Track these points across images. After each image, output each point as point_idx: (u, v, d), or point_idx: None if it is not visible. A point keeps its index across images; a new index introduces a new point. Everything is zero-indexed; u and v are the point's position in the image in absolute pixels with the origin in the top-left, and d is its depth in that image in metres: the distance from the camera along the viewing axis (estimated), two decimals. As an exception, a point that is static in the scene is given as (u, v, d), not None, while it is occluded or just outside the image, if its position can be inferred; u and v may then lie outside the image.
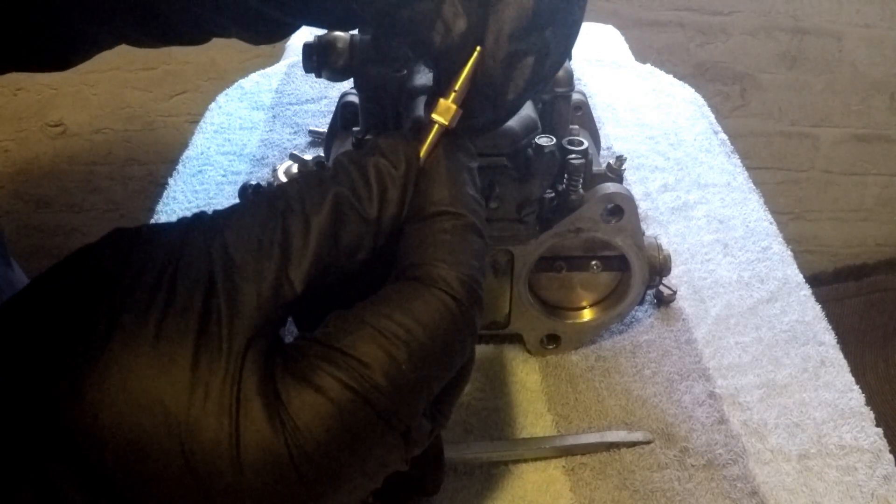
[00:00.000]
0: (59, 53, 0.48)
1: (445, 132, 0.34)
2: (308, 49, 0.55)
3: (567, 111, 0.61)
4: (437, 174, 0.34)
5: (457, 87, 0.34)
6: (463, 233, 0.33)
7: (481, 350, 0.63)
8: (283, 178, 0.77)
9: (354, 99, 0.63)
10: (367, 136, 0.57)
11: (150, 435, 0.28)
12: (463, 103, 0.34)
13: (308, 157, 0.78)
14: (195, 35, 0.45)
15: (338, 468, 0.30)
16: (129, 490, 0.29)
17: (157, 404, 0.28)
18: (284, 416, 0.29)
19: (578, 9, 0.36)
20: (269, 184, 0.71)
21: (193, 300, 0.30)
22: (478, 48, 0.33)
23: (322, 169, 0.34)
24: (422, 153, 0.34)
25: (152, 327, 0.29)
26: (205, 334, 0.29)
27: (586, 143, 0.55)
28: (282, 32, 0.44)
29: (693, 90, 1.00)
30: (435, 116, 0.34)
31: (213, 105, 0.98)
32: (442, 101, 0.34)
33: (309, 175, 0.34)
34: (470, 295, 0.32)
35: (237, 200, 0.71)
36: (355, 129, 0.59)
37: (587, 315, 0.61)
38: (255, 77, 1.04)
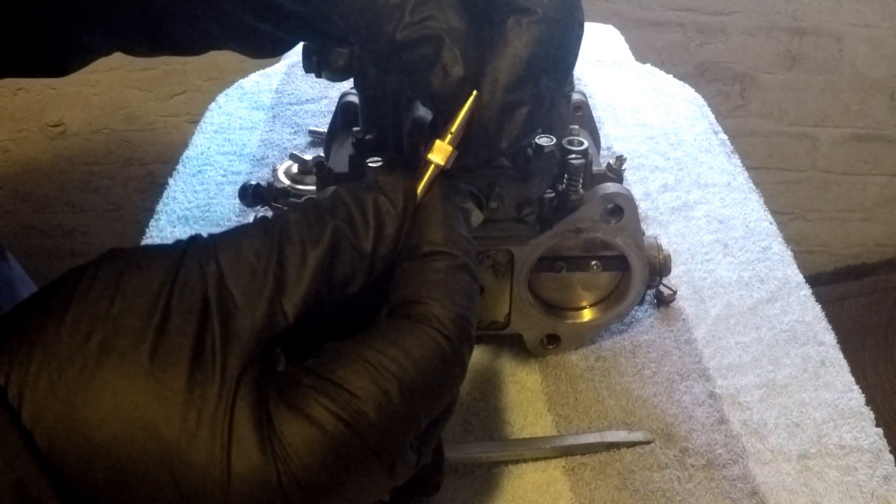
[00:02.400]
0: (57, 61, 0.48)
1: (441, 172, 0.35)
2: (308, 49, 0.55)
3: (567, 111, 0.61)
4: (433, 214, 0.35)
5: (453, 130, 0.35)
6: (456, 272, 0.34)
7: (481, 350, 0.63)
8: (283, 178, 0.77)
9: (354, 99, 0.63)
10: (367, 136, 0.57)
11: (141, 458, 0.29)
12: (458, 144, 0.35)
13: (308, 157, 0.78)
14: (193, 47, 0.45)
15: (324, 497, 0.30)
16: None
17: (149, 428, 0.29)
18: (276, 443, 0.29)
19: (572, 56, 0.37)
20: (270, 184, 0.71)
21: (188, 326, 0.30)
22: (474, 92, 0.34)
23: (320, 201, 0.35)
24: (418, 192, 0.35)
25: (146, 352, 0.29)
26: (199, 360, 0.30)
27: (586, 143, 0.55)
28: (279, 48, 0.45)
29: (693, 90, 1.00)
30: (431, 157, 0.35)
31: (213, 105, 0.98)
32: (438, 142, 0.35)
33: (307, 206, 0.34)
34: (461, 333, 0.33)
35: (237, 200, 0.72)
36: (355, 129, 0.59)
37: (587, 315, 0.61)
38: (255, 77, 1.04)
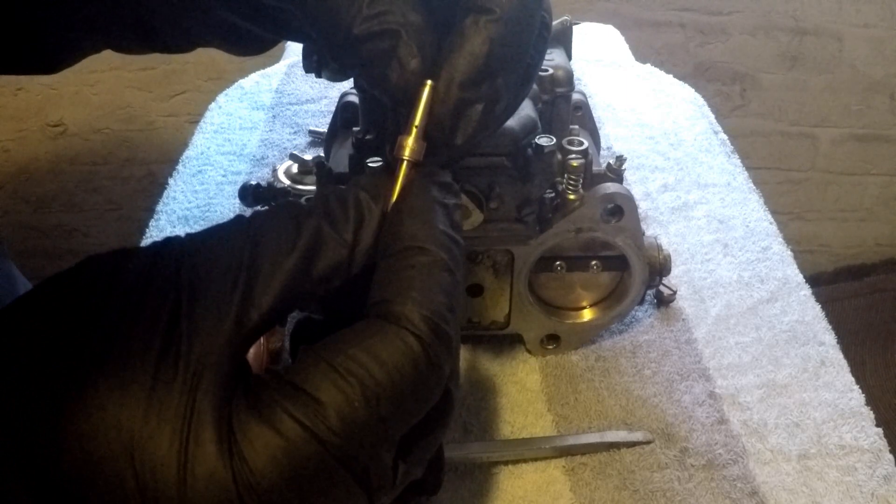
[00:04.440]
0: (47, 58, 0.48)
1: (414, 166, 0.35)
2: (308, 49, 0.55)
3: (567, 111, 0.61)
4: (409, 210, 0.34)
5: (416, 123, 0.35)
6: (431, 269, 0.33)
7: (481, 350, 0.63)
8: (283, 178, 0.77)
9: (354, 99, 0.63)
10: (368, 136, 0.57)
11: (105, 451, 0.28)
12: (424, 136, 0.35)
13: (308, 157, 0.78)
14: (180, 44, 0.45)
15: None
16: (81, 502, 0.29)
17: (114, 421, 0.29)
18: (235, 448, 0.29)
19: (537, 54, 0.37)
20: (270, 184, 0.71)
21: (158, 322, 0.30)
22: (429, 83, 0.35)
23: (300, 202, 0.35)
24: (395, 191, 0.35)
25: (117, 348, 0.29)
26: (165, 357, 0.29)
27: (586, 143, 0.55)
28: (262, 47, 0.45)
29: (693, 90, 1.00)
30: (397, 154, 0.35)
31: (213, 105, 0.98)
32: (401, 137, 0.35)
33: (286, 204, 0.34)
34: (435, 335, 0.31)
35: (237, 200, 0.72)
36: (355, 129, 0.59)
37: (587, 315, 0.61)
38: (255, 77, 1.04)
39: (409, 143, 0.35)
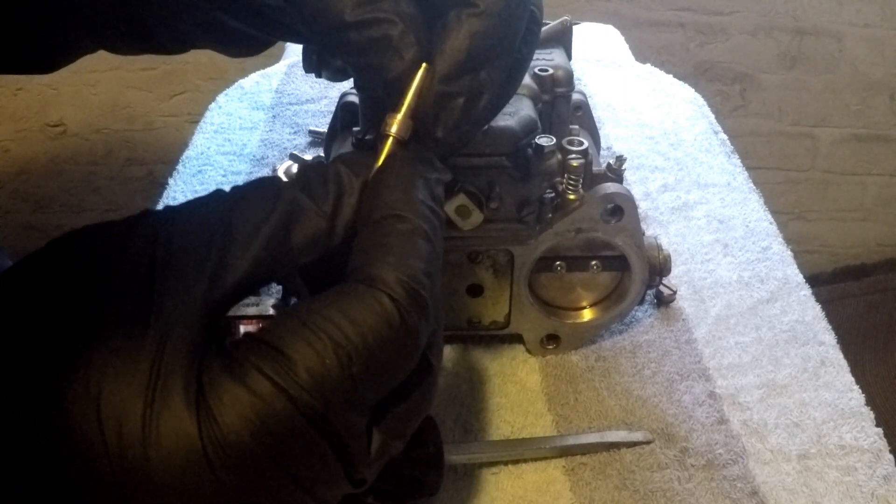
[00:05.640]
0: (41, 58, 0.49)
1: (399, 143, 0.36)
2: (308, 49, 0.55)
3: (567, 111, 0.61)
4: (391, 180, 0.35)
5: (406, 102, 0.36)
6: (410, 236, 0.33)
7: (481, 350, 0.63)
8: (284, 178, 0.77)
9: (354, 99, 0.63)
10: (368, 136, 0.57)
11: (76, 410, 0.28)
12: (412, 115, 0.36)
13: (308, 157, 0.78)
14: (174, 46, 0.46)
15: (258, 469, 0.29)
16: (54, 465, 0.29)
17: (83, 380, 0.28)
18: (203, 404, 0.28)
19: (526, 48, 0.37)
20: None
21: (131, 284, 0.30)
22: (423, 65, 0.35)
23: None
24: (378, 163, 0.36)
25: (93, 311, 0.30)
26: (137, 316, 0.29)
27: (586, 143, 0.55)
28: (256, 48, 0.45)
29: (693, 90, 1.00)
30: (383, 130, 0.36)
31: (213, 105, 0.98)
32: (388, 114, 0.36)
33: (266, 178, 0.35)
34: (411, 298, 0.31)
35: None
36: (355, 129, 0.59)
37: (587, 315, 0.61)
38: (255, 77, 1.04)
39: (396, 120, 0.36)
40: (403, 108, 0.36)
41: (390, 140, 0.36)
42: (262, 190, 0.34)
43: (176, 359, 0.29)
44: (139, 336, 0.29)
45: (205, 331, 0.30)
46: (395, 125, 0.36)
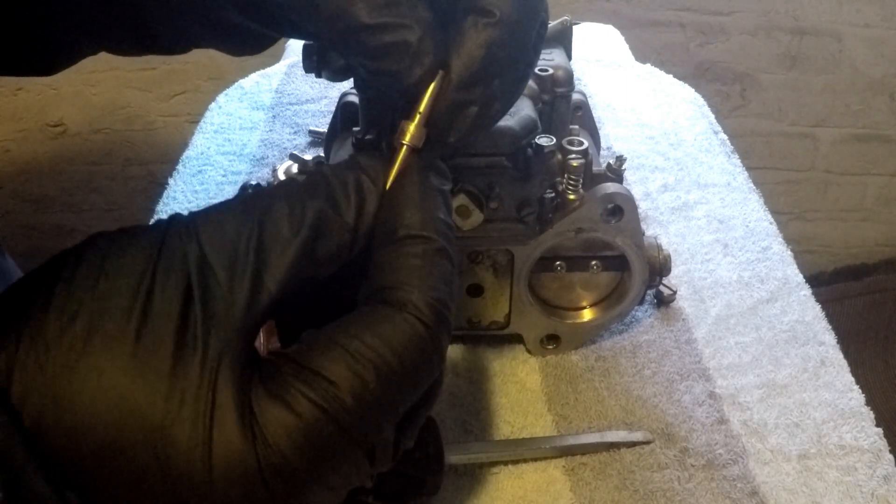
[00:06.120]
0: (43, 60, 0.48)
1: (413, 152, 0.36)
2: (308, 49, 0.55)
3: (567, 111, 0.61)
4: (409, 197, 0.35)
5: (421, 110, 0.35)
6: (433, 257, 0.34)
7: (481, 350, 0.63)
8: (283, 178, 0.77)
9: (354, 99, 0.63)
10: (368, 136, 0.57)
11: (126, 438, 0.29)
12: (427, 123, 0.36)
13: (308, 157, 0.78)
14: (176, 45, 0.45)
15: (303, 482, 0.31)
16: (102, 488, 0.29)
17: (133, 408, 0.29)
18: (256, 429, 0.30)
19: (534, 53, 0.37)
20: (269, 184, 0.71)
21: (171, 307, 0.30)
22: (440, 72, 0.35)
23: (302, 176, 0.36)
24: (392, 174, 0.35)
25: (131, 333, 0.30)
26: (182, 340, 0.30)
27: (586, 143, 0.55)
28: (260, 45, 0.45)
29: (693, 90, 1.00)
30: (398, 138, 0.36)
31: (213, 105, 0.98)
32: (404, 122, 0.35)
33: (289, 185, 0.35)
34: (438, 319, 0.33)
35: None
36: (355, 129, 0.59)
37: (587, 315, 0.61)
38: (255, 77, 1.04)
39: (411, 129, 0.35)
40: (418, 117, 0.35)
41: (404, 149, 0.36)
42: (288, 201, 0.34)
43: (227, 389, 0.30)
44: (187, 365, 0.30)
45: (247, 355, 0.31)
46: (410, 134, 0.35)
